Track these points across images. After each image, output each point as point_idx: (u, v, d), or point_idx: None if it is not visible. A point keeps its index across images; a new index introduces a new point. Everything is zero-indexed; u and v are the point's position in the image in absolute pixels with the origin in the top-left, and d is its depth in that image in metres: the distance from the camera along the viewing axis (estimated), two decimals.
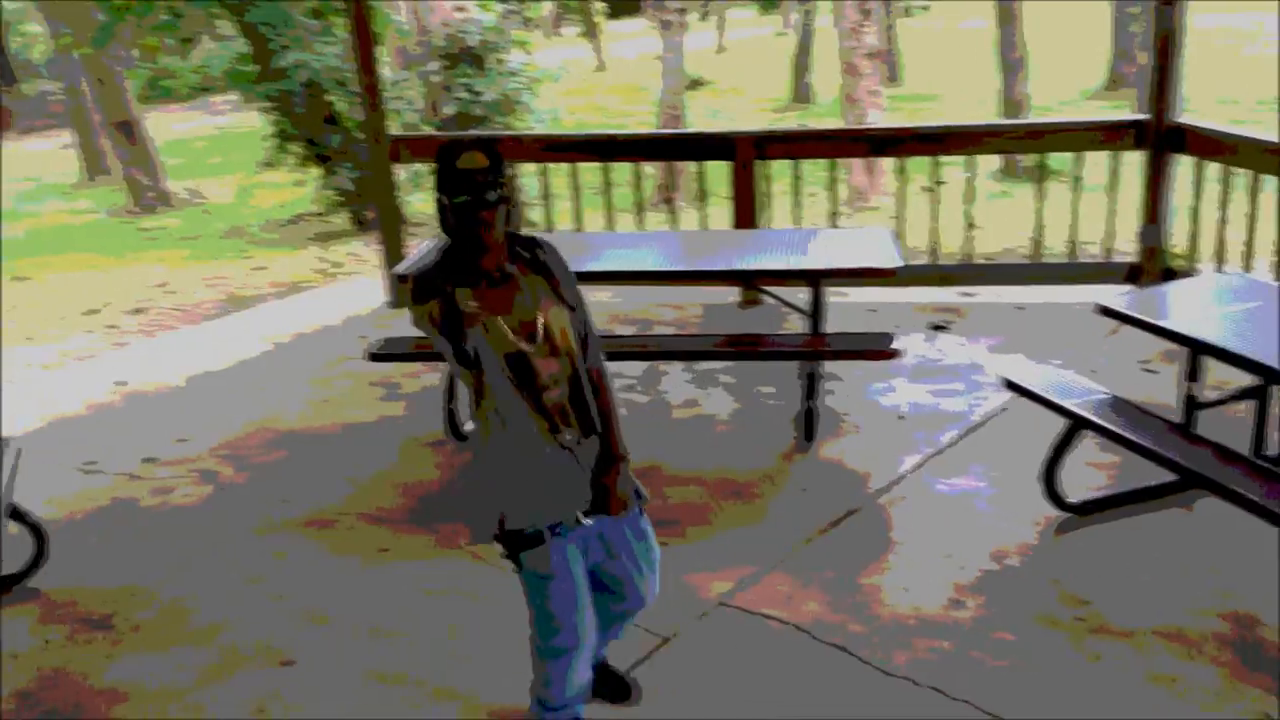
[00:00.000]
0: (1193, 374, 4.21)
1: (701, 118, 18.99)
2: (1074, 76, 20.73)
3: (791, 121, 19.99)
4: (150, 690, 3.53)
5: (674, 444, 4.97)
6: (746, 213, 6.41)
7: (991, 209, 10.89)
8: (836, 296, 6.23)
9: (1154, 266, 6.13)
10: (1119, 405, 3.99)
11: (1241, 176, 5.61)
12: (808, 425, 4.90)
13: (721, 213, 6.85)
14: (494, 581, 3.63)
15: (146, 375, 6.47)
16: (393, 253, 6.96)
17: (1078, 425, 3.99)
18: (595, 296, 6.68)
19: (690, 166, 9.70)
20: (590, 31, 29.92)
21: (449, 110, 12.08)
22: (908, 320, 6.13)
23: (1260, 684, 3.22)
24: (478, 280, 2.61)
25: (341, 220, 12.65)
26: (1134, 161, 6.13)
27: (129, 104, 15.53)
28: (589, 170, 6.85)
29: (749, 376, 5.59)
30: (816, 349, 4.87)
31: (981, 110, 16.97)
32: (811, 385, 4.90)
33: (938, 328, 6.13)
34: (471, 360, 2.61)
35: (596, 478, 2.80)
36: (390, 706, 3.39)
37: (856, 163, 13.31)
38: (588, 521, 2.79)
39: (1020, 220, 9.15)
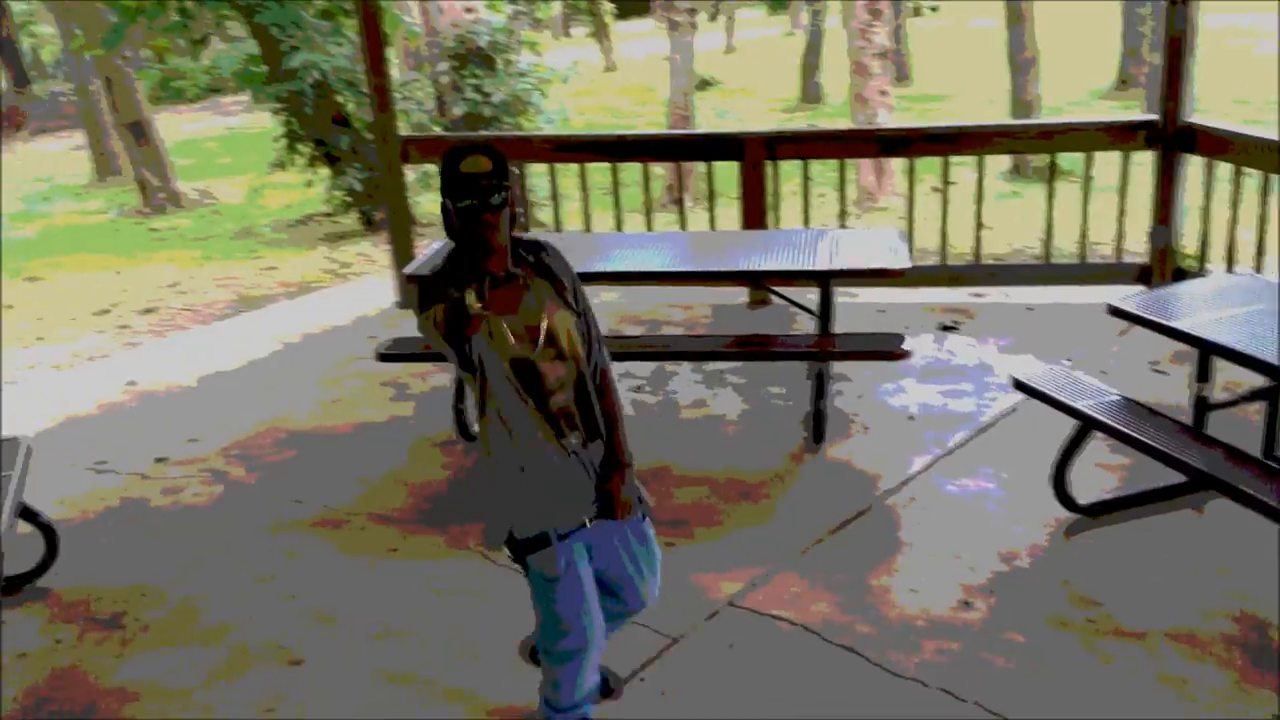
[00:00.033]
0: (1203, 375, 4.20)
1: (710, 118, 18.98)
2: (1084, 76, 20.66)
3: (801, 122, 19.96)
4: (160, 689, 3.54)
5: (683, 444, 4.97)
6: (755, 213, 6.41)
7: (1001, 209, 10.88)
8: (845, 297, 6.24)
9: (1165, 267, 6.12)
10: (1129, 406, 3.98)
11: (1253, 177, 5.59)
12: (817, 426, 4.89)
13: (730, 213, 6.85)
14: (503, 581, 3.64)
15: (157, 375, 6.49)
16: (402, 253, 6.97)
17: (1088, 426, 3.99)
18: (604, 296, 6.71)
19: (699, 167, 9.69)
20: (599, 32, 29.93)
21: (458, 111, 12.10)
22: (917, 321, 6.12)
23: (1270, 685, 3.22)
24: (483, 283, 2.62)
25: (351, 220, 12.67)
26: (1145, 162, 6.11)
27: (140, 105, 15.58)
28: (598, 171, 6.85)
29: (758, 377, 5.59)
30: (825, 349, 4.87)
31: (991, 110, 16.93)
32: (821, 386, 4.90)
33: (947, 328, 6.13)
34: (474, 366, 2.62)
35: (601, 482, 2.81)
36: (399, 706, 3.40)
37: (865, 163, 13.29)
38: (592, 525, 2.80)
39: (1030, 221, 9.14)
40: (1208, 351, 4.03)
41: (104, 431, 5.68)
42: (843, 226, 6.76)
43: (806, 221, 6.70)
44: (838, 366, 5.20)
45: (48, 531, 4.19)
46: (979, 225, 6.47)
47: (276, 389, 6.03)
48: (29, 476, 4.04)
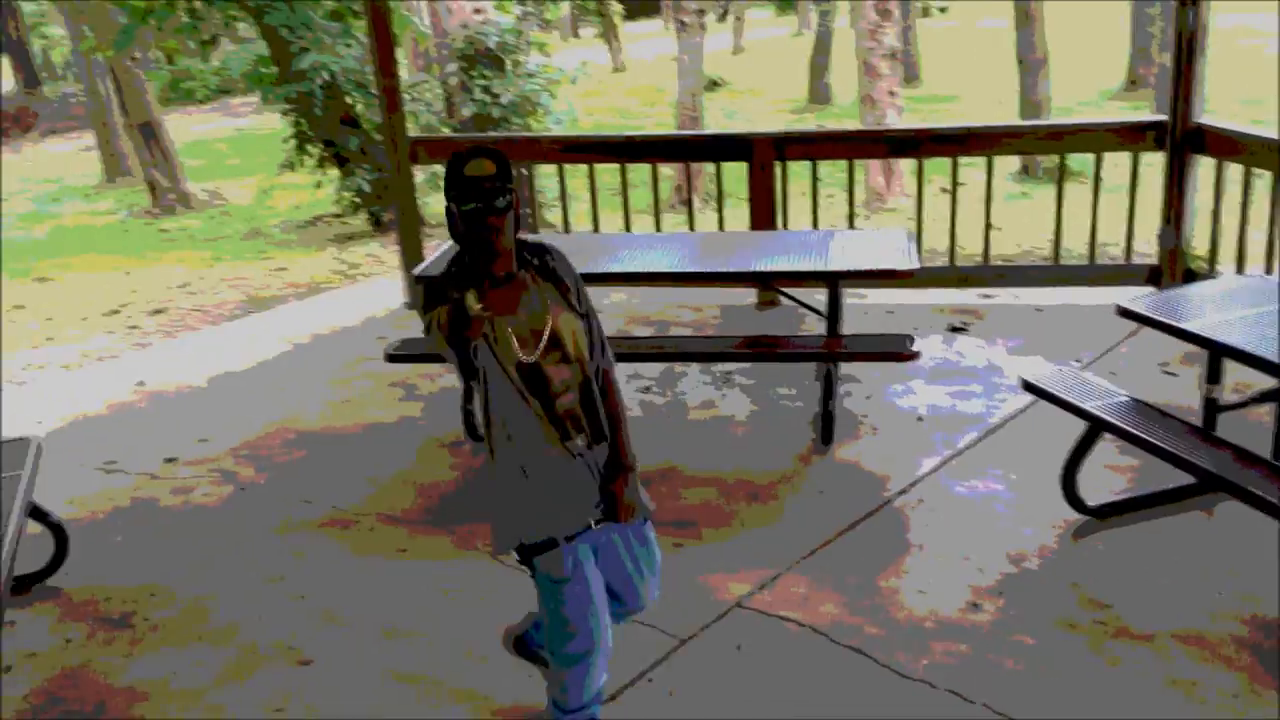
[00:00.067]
0: (1213, 376, 4.19)
1: (719, 119, 18.97)
2: (1093, 77, 20.63)
3: (809, 122, 19.96)
4: (170, 689, 3.55)
5: (691, 445, 4.97)
6: (764, 214, 6.40)
7: (1010, 210, 10.86)
8: (854, 298, 6.24)
9: (1175, 268, 6.10)
10: (1139, 408, 3.97)
11: (1263, 178, 5.57)
12: (825, 427, 4.89)
13: (739, 214, 6.85)
14: (511, 582, 3.64)
15: (167, 375, 6.51)
16: (411, 254, 6.98)
17: (1097, 428, 3.98)
18: (612, 297, 6.72)
19: (708, 168, 9.70)
20: (608, 33, 29.93)
21: (467, 112, 12.12)
22: (926, 322, 6.11)
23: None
24: (483, 285, 2.62)
25: (360, 221, 12.71)
26: (1155, 163, 6.10)
27: (149, 106, 15.64)
28: (606, 171, 6.85)
29: (766, 378, 5.59)
30: (834, 350, 4.86)
31: (1001, 111, 16.91)
32: (829, 387, 4.89)
33: (956, 329, 6.12)
34: (476, 370, 2.63)
35: (605, 485, 2.82)
36: (407, 706, 3.41)
37: (874, 164, 13.30)
38: (597, 527, 2.81)
39: (1039, 222, 9.14)
40: (1218, 353, 4.02)
41: (114, 431, 5.70)
42: (851, 227, 6.76)
43: (815, 222, 6.70)
44: (846, 367, 5.19)
45: (58, 531, 4.20)
46: (988, 226, 6.46)
47: (286, 389, 6.04)
48: (39, 476, 4.05)
